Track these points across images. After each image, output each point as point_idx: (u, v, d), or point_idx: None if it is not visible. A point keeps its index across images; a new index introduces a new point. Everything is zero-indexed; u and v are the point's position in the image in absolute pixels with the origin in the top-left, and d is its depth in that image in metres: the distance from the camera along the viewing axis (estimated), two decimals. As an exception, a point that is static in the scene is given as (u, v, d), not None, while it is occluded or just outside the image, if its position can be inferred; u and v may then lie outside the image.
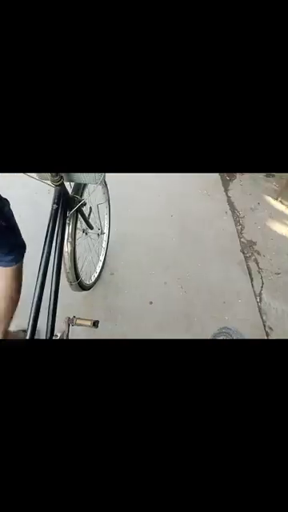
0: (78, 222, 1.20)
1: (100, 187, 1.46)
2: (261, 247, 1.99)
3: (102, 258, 1.71)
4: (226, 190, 2.36)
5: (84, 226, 1.32)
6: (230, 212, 2.18)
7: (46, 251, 0.88)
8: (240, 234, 2.06)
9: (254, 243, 2.01)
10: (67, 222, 1.06)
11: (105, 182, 1.48)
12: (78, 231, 1.20)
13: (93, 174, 0.98)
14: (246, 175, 2.50)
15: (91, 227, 1.39)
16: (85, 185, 1.17)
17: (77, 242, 1.20)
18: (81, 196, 1.15)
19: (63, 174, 0.95)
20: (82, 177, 1.00)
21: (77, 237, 1.19)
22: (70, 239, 1.10)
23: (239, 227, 2.10)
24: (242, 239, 2.02)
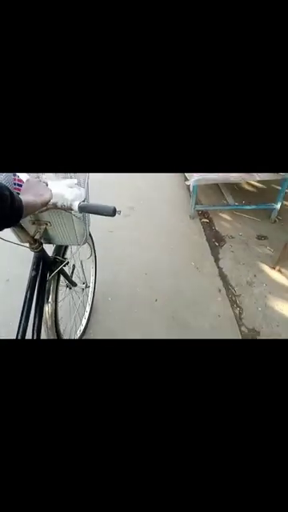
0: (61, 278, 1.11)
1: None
2: (266, 337, 1.64)
3: (87, 309, 1.57)
4: (217, 260, 2.05)
5: (66, 283, 1.23)
6: (223, 290, 1.85)
7: (23, 319, 0.80)
8: (239, 319, 1.71)
9: (258, 333, 1.66)
10: (47, 285, 0.97)
11: (91, 237, 1.36)
12: (60, 287, 1.10)
13: (74, 236, 0.90)
14: (237, 238, 2.23)
15: (74, 284, 1.28)
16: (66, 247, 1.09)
17: (59, 298, 1.09)
18: (63, 256, 1.06)
19: (42, 240, 0.88)
20: (63, 239, 0.92)
21: (59, 293, 1.08)
22: (50, 301, 1.00)
23: (237, 310, 1.75)
24: (242, 328, 1.67)
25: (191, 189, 2.20)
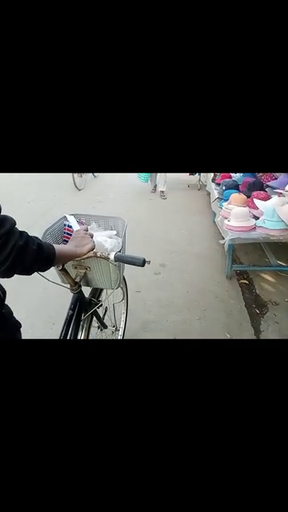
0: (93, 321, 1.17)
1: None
2: None
3: None
4: (258, 332, 1.74)
5: (98, 324, 1.28)
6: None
7: None
8: None
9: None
10: (81, 324, 1.03)
11: (124, 282, 1.43)
12: (92, 328, 1.14)
13: (109, 280, 0.98)
14: (282, 305, 1.91)
15: (105, 327, 1.33)
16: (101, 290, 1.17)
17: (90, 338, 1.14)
18: (97, 298, 1.13)
19: (81, 282, 0.98)
20: (99, 283, 1.01)
21: (90, 334, 1.13)
22: (81, 338, 1.04)
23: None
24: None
25: (226, 248, 2.02)
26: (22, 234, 0.60)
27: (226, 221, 2.06)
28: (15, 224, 0.58)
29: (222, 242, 2.03)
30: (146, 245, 2.61)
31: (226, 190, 2.49)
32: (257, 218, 2.07)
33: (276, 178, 2.69)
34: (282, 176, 2.60)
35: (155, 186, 4.15)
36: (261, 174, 3.00)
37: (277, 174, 2.74)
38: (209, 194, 3.46)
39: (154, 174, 4.04)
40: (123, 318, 1.61)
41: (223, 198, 2.43)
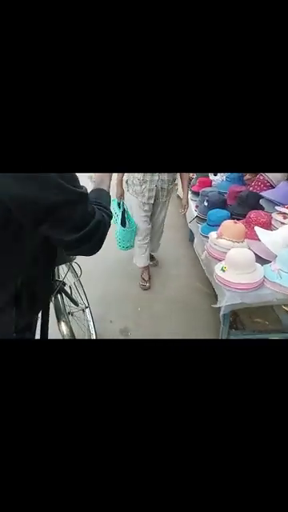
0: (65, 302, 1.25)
1: (70, 267, 1.48)
2: None
3: (92, 332, 1.57)
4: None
5: (68, 308, 1.33)
6: None
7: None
8: None
9: None
10: (56, 305, 1.14)
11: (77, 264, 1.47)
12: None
13: (63, 256, 1.03)
14: None
15: (76, 304, 1.43)
16: (58, 267, 1.24)
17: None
18: (58, 277, 1.21)
19: None
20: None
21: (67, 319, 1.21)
22: (63, 319, 1.13)
23: None
24: None
25: (221, 317, 1.28)
26: (106, 223, 0.67)
27: (218, 269, 1.31)
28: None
29: (215, 306, 1.28)
30: (102, 282, 1.78)
31: (210, 207, 1.72)
32: (262, 259, 1.36)
33: (273, 186, 1.98)
34: (282, 184, 1.89)
35: (148, 274, 2.06)
36: (248, 176, 2.28)
37: (273, 177, 2.01)
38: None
39: (140, 242, 2.00)
40: (84, 297, 1.60)
41: (208, 223, 1.66)
